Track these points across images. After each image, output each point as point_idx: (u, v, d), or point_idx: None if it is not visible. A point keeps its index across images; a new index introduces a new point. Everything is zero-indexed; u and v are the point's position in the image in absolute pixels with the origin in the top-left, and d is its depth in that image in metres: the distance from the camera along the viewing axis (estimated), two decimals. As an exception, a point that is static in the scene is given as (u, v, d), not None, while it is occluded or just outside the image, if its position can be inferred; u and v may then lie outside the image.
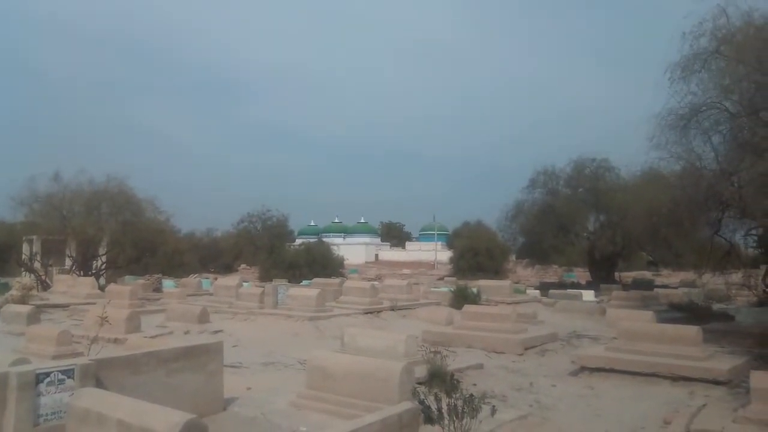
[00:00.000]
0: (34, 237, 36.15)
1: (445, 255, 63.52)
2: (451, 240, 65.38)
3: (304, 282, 29.40)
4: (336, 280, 26.71)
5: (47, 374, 6.07)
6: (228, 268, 51.62)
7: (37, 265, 34.75)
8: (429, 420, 6.14)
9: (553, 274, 44.88)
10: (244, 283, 25.31)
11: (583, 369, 11.09)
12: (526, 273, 45.92)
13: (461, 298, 20.44)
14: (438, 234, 74.56)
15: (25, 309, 16.11)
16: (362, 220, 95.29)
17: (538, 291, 29.95)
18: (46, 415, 6.01)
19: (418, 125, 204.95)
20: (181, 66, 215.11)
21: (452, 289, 23.42)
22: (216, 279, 34.76)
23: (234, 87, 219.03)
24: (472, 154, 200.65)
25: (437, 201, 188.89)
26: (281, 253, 42.70)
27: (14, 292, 21.09)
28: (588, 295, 26.61)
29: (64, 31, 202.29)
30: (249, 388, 9.21)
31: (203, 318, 16.19)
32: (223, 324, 16.50)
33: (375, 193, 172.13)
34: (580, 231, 37.54)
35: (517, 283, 34.12)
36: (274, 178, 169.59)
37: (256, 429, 7.24)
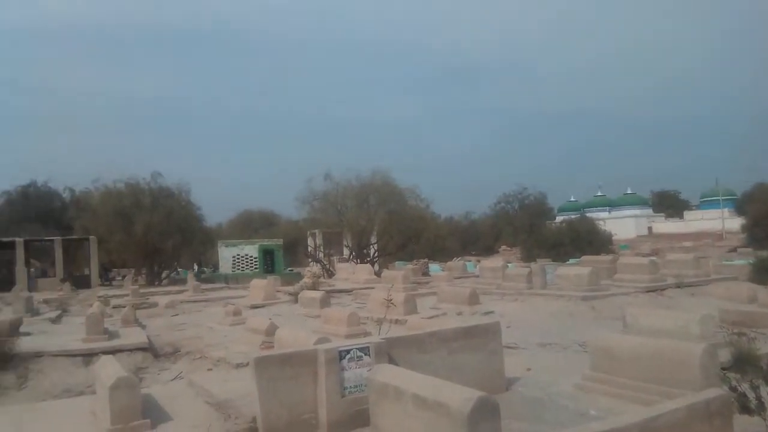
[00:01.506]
0: (316, 231, 41.05)
1: (734, 223, 55.72)
2: (740, 205, 57.00)
3: (571, 260, 28.26)
4: (607, 257, 25.06)
5: (347, 351, 6.65)
6: (488, 250, 52.26)
7: (320, 255, 39.47)
8: (745, 410, 5.26)
9: None
10: (508, 265, 25.28)
11: None
12: None
13: (765, 272, 17.57)
14: (723, 200, 65.70)
15: (317, 294, 18.18)
16: (629, 191, 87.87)
17: None
18: (350, 387, 6.58)
19: (689, 82, 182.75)
20: (416, 58, 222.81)
21: (751, 262, 20.32)
22: (478, 261, 35.41)
23: (470, 73, 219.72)
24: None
25: (718, 164, 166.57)
26: (542, 232, 41.88)
27: (306, 280, 23.98)
28: None
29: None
30: (529, 369, 9.02)
31: (473, 299, 16.49)
32: (493, 305, 16.62)
33: (642, 161, 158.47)
34: None
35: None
36: (530, 158, 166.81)
37: (543, 410, 7.01)
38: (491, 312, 15.44)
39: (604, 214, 73.01)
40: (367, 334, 11.72)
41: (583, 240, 38.57)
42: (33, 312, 19.13)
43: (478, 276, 24.45)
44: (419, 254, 37.66)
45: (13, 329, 13.22)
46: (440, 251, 40.22)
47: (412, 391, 5.60)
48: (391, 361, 6.88)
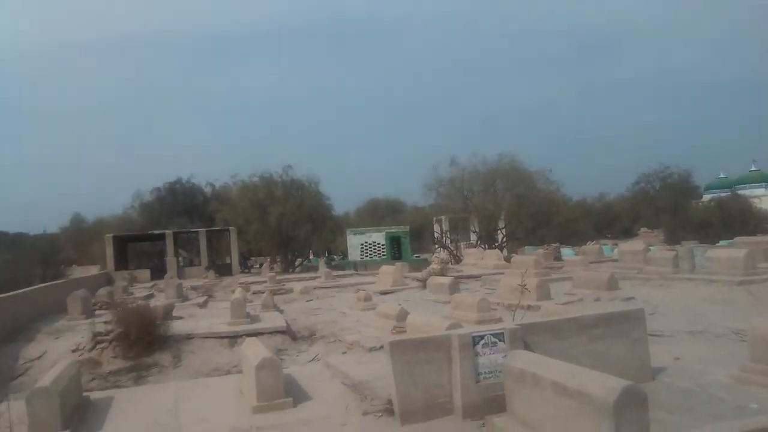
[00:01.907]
0: (443, 217, 40.98)
1: None
2: None
3: (722, 242, 25.93)
4: (765, 238, 22.59)
5: (481, 337, 6.48)
6: (626, 233, 49.29)
7: (447, 241, 39.37)
8: None
9: None
10: (650, 248, 23.66)
11: None
12: None
13: None
14: None
15: (446, 280, 18.09)
16: (791, 164, 78.48)
17: None
18: (485, 373, 6.42)
19: None
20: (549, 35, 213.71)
21: None
22: (615, 245, 33.54)
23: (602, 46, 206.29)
24: None
25: None
26: (688, 212, 38.84)
27: (434, 266, 24.00)
28: None
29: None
30: (677, 358, 8.41)
31: (612, 284, 15.58)
32: (634, 290, 15.60)
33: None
34: None
35: None
36: (673, 134, 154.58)
37: (694, 401, 6.45)
38: (632, 298, 14.49)
39: (760, 191, 65.91)
40: (497, 320, 11.47)
41: (735, 220, 35.31)
42: (183, 298, 20.80)
43: (616, 260, 23.10)
44: (550, 239, 36.37)
45: (168, 313, 14.45)
46: (572, 235, 38.57)
47: (552, 378, 5.39)
48: (527, 347, 6.66)
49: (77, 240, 45.78)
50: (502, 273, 20.54)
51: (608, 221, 53.58)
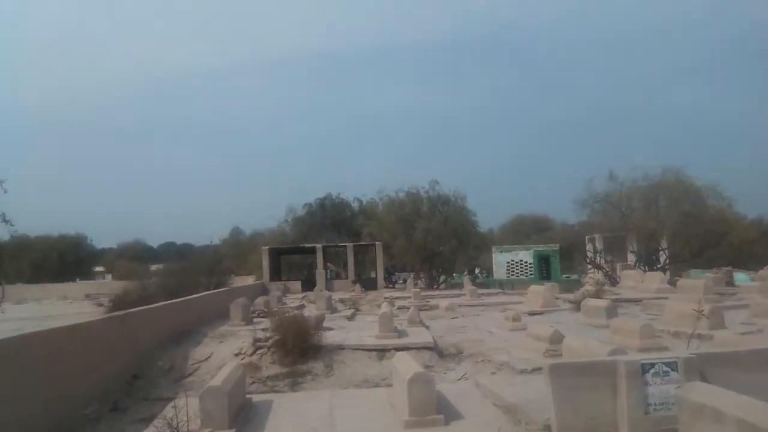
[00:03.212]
0: (596, 235, 38.82)
1: None
2: None
3: None
4: None
5: (652, 365, 5.96)
6: (812, 258, 43.47)
7: (601, 261, 37.18)
8: None
9: None
10: None
11: None
12: None
13: None
14: None
15: (603, 303, 16.94)
16: None
17: None
18: (655, 404, 5.89)
19: None
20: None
21: None
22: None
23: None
24: None
25: None
26: None
27: (589, 288, 22.65)
28: None
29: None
30: None
31: (799, 314, 13.74)
32: (828, 322, 13.61)
33: None
34: None
35: None
36: None
37: None
38: (826, 331, 12.65)
39: None
40: (662, 348, 10.54)
41: None
42: (332, 309, 21.57)
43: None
44: (720, 262, 32.97)
45: (319, 324, 15.02)
46: (747, 258, 34.65)
47: (737, 415, 4.80)
48: (703, 379, 6.02)
49: (236, 251, 49.48)
50: (666, 297, 18.94)
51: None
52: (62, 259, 58.31)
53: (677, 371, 5.97)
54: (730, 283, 26.52)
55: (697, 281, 20.42)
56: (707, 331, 12.22)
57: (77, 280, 54.45)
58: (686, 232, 31.33)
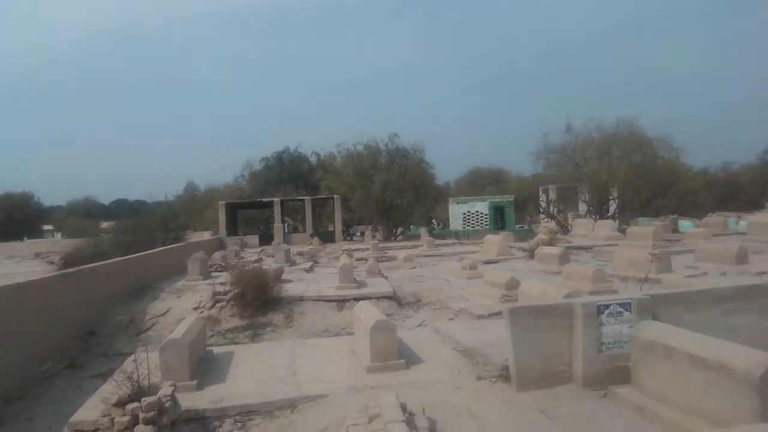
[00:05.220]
0: (550, 186, 39.53)
1: None
2: None
3: None
4: None
5: (607, 306, 6.15)
6: (752, 205, 45.42)
7: (555, 211, 38.01)
8: None
9: None
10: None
11: None
12: None
13: None
14: None
15: (556, 250, 17.42)
16: None
17: None
18: (608, 343, 6.11)
19: None
20: None
21: None
22: (740, 218, 31.03)
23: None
24: None
25: None
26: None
27: (543, 236, 23.16)
28: None
29: None
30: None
31: (741, 258, 14.40)
32: (766, 265, 14.31)
33: None
34: None
35: None
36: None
37: None
38: (765, 273, 13.31)
39: None
40: (613, 291, 10.92)
41: None
42: (290, 262, 21.48)
43: (743, 234, 21.31)
44: (666, 210, 34.11)
45: (278, 277, 14.97)
46: (692, 207, 35.93)
47: (687, 350, 5.07)
48: (655, 318, 6.28)
49: (191, 207, 48.56)
50: (616, 245, 19.55)
51: (732, 193, 49.56)
52: (9, 218, 56.16)
53: (630, 312, 6.19)
54: (675, 230, 27.57)
55: (646, 228, 21.11)
56: (656, 275, 12.70)
57: (25, 239, 52.61)
58: (636, 183, 32.20)
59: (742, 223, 27.55)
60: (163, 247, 22.29)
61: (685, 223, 29.79)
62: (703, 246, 16.56)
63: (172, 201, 53.17)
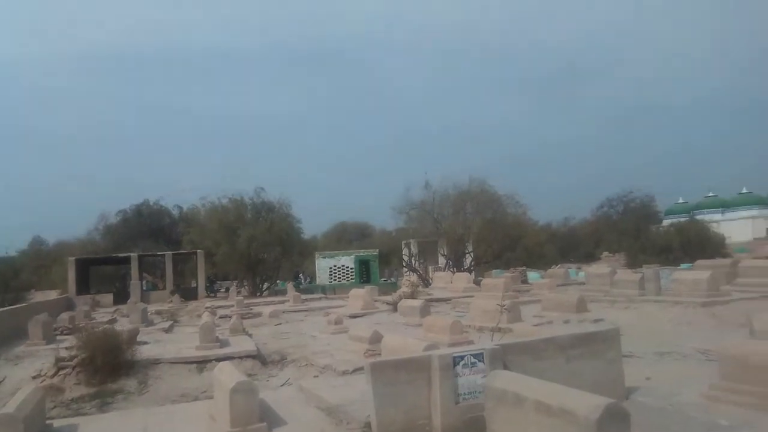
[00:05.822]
0: (411, 240, 41.08)
1: None
2: None
3: (683, 266, 26.58)
4: (725, 261, 23.20)
5: (462, 357, 6.45)
6: (589, 257, 50.25)
7: (417, 265, 39.40)
8: None
9: None
10: (617, 271, 24.11)
11: None
12: None
13: None
14: None
15: (417, 303, 18.03)
16: (745, 191, 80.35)
17: None
18: (464, 393, 6.38)
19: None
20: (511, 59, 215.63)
21: None
22: (579, 268, 34.06)
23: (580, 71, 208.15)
24: None
25: None
26: (649, 237, 39.77)
27: (405, 290, 23.85)
28: None
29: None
30: (648, 378, 8.57)
31: (581, 307, 15.78)
32: (603, 312, 15.81)
33: (758, 159, 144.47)
34: None
35: None
36: (635, 157, 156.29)
37: (668, 420, 6.57)
38: (601, 320, 14.68)
39: (716, 216, 67.99)
40: (469, 342, 11.44)
41: (693, 244, 36.30)
42: (147, 322, 20.27)
43: (582, 283, 23.43)
44: (516, 262, 36.75)
45: (132, 338, 14.03)
46: (538, 259, 39.09)
47: (535, 398, 5.39)
48: (506, 368, 6.65)
49: (37, 263, 44.43)
50: (472, 296, 20.63)
51: (572, 245, 54.53)
52: None
53: (483, 362, 6.54)
54: (524, 281, 29.65)
55: (498, 280, 22.54)
56: (507, 324, 13.54)
57: None
58: (488, 237, 34.60)
59: (581, 273, 30.28)
60: (1, 309, 20.13)
61: (532, 274, 32.14)
62: (547, 296, 17.97)
63: (14, 257, 48.21)
